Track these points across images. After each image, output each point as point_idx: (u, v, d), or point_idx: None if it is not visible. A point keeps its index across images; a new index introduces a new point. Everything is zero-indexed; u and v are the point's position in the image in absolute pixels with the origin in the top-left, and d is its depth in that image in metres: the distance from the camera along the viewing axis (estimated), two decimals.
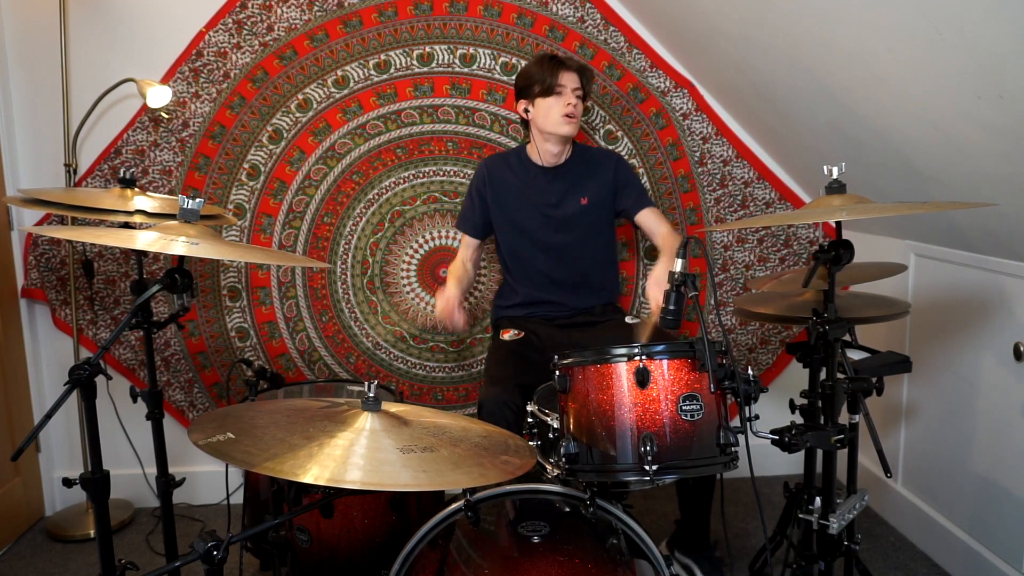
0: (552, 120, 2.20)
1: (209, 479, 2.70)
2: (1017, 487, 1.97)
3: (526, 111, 2.26)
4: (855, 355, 1.76)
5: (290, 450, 1.13)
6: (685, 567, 2.16)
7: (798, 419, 1.71)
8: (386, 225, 2.70)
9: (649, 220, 2.32)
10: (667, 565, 1.39)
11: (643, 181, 2.74)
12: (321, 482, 1.06)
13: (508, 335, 2.22)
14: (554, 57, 2.23)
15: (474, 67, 2.65)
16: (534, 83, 2.21)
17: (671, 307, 1.42)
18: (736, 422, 1.34)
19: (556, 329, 2.26)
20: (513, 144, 2.68)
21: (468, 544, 1.42)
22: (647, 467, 1.28)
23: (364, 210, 2.69)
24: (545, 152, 2.27)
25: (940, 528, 2.26)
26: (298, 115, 2.62)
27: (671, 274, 1.42)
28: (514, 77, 2.63)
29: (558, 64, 2.20)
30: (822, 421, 1.60)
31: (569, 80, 2.20)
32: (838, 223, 1.66)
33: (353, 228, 2.70)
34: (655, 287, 1.88)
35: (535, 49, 2.65)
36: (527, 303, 2.34)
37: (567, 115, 2.19)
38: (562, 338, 2.20)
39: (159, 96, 2.40)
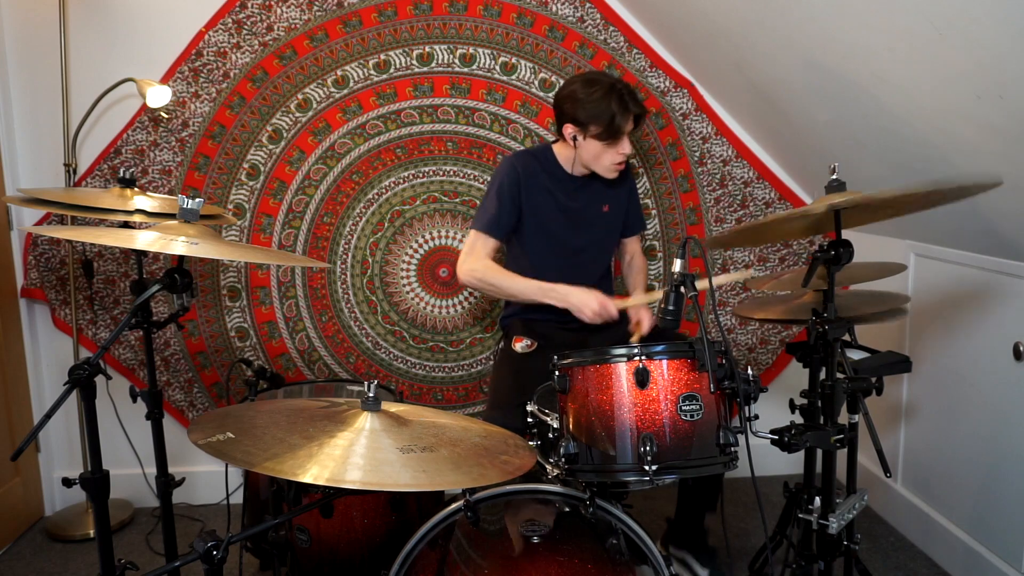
0: (600, 166, 2.15)
1: (209, 479, 2.70)
2: (1017, 487, 1.97)
3: (574, 138, 2.12)
4: (855, 355, 1.76)
5: (290, 450, 1.13)
6: (680, 561, 2.15)
7: (798, 419, 1.71)
8: (386, 225, 2.70)
9: (634, 243, 2.45)
10: (667, 565, 1.39)
11: (643, 180, 2.74)
12: (321, 482, 1.06)
13: (520, 345, 2.16)
14: (623, 100, 2.05)
15: (474, 67, 2.65)
16: (594, 123, 2.06)
17: (670, 307, 1.42)
18: (736, 422, 1.34)
19: (569, 333, 2.24)
20: (513, 144, 2.69)
21: (468, 544, 1.42)
22: (647, 467, 1.28)
23: (364, 210, 2.69)
24: (578, 168, 2.22)
25: (940, 528, 2.26)
26: (298, 115, 2.62)
27: (671, 274, 1.42)
28: (513, 78, 2.65)
29: (625, 109, 2.05)
30: (822, 421, 1.60)
31: (628, 125, 2.09)
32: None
33: (353, 228, 2.70)
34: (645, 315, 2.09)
35: (535, 49, 2.65)
36: (549, 311, 2.23)
37: (617, 164, 2.14)
38: (575, 342, 2.19)
39: (159, 96, 2.40)
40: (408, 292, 2.75)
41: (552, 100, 2.65)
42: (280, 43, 2.58)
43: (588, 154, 2.14)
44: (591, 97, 2.06)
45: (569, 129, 2.13)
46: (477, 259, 2.16)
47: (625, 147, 2.11)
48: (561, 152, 2.24)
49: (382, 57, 2.62)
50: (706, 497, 2.06)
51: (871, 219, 1.80)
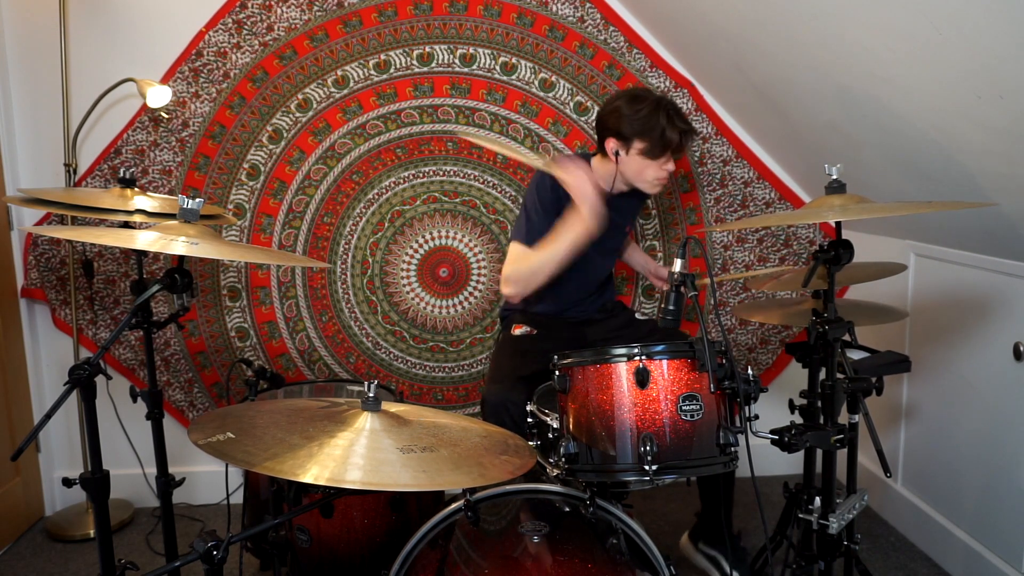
0: (643, 181, 2.10)
1: (209, 479, 2.70)
2: (1017, 487, 1.97)
3: (616, 153, 2.07)
4: (855, 355, 1.76)
5: (290, 450, 1.13)
6: (711, 559, 2.16)
7: (798, 419, 1.71)
8: (386, 225, 2.70)
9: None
10: (667, 565, 1.39)
11: None
12: (321, 482, 1.06)
13: (520, 331, 2.16)
14: (670, 115, 2.02)
15: (474, 67, 2.65)
16: (640, 138, 2.02)
17: (671, 307, 1.42)
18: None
19: (568, 324, 2.26)
20: (512, 144, 2.68)
21: (468, 544, 1.42)
22: (647, 467, 1.28)
23: (364, 210, 2.69)
24: (619, 186, 2.17)
25: (940, 528, 2.26)
26: (298, 115, 2.62)
27: (671, 274, 1.42)
28: (513, 78, 2.65)
29: (672, 125, 2.01)
30: (822, 421, 1.60)
31: (674, 141, 2.05)
32: (838, 223, 1.66)
33: (353, 228, 2.70)
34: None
35: (535, 49, 2.65)
36: (548, 307, 2.27)
37: (661, 179, 2.10)
38: (574, 334, 2.21)
39: (159, 96, 2.40)
40: (408, 292, 2.75)
41: (553, 101, 2.67)
42: (280, 43, 2.58)
43: (631, 170, 2.09)
44: (638, 113, 2.02)
45: (612, 144, 2.08)
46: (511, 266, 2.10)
47: (670, 164, 2.08)
48: (599, 168, 2.17)
49: (382, 57, 2.62)
50: (727, 494, 2.08)
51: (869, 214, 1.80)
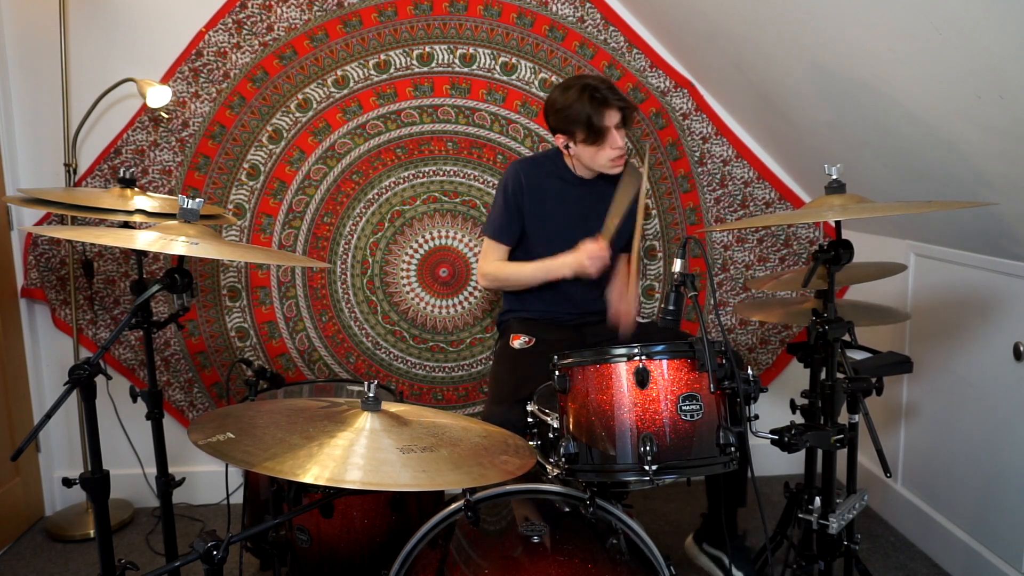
0: (599, 165, 2.14)
1: (209, 479, 2.70)
2: (1017, 487, 1.97)
3: (567, 147, 2.14)
4: (856, 355, 1.76)
5: (290, 450, 1.13)
6: (715, 559, 2.17)
7: (798, 419, 1.71)
8: (386, 225, 2.70)
9: None
10: (667, 565, 1.39)
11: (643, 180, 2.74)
12: (321, 482, 1.06)
13: (518, 342, 2.17)
14: (595, 98, 2.03)
15: (474, 67, 2.65)
16: (577, 128, 2.06)
17: (670, 307, 1.42)
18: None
19: (568, 330, 2.26)
20: (512, 143, 2.69)
21: (468, 544, 1.42)
22: (647, 467, 1.28)
23: (364, 210, 2.69)
24: (585, 171, 2.22)
25: (940, 528, 2.26)
26: (298, 115, 2.62)
27: (671, 275, 1.42)
28: (513, 78, 2.65)
29: (598, 107, 2.03)
30: (822, 421, 1.60)
31: (612, 119, 2.06)
32: (838, 223, 1.66)
33: (353, 228, 2.70)
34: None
35: (535, 49, 2.65)
36: (545, 307, 2.28)
37: (614, 160, 2.11)
38: (574, 339, 2.20)
39: (159, 96, 2.40)
40: (408, 292, 2.75)
41: None
42: (280, 43, 2.58)
43: (584, 158, 2.15)
44: (566, 103, 2.07)
45: (560, 139, 2.17)
46: (488, 263, 2.27)
47: (616, 142, 2.09)
48: (567, 156, 2.24)
49: (382, 57, 2.62)
50: (734, 493, 2.07)
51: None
